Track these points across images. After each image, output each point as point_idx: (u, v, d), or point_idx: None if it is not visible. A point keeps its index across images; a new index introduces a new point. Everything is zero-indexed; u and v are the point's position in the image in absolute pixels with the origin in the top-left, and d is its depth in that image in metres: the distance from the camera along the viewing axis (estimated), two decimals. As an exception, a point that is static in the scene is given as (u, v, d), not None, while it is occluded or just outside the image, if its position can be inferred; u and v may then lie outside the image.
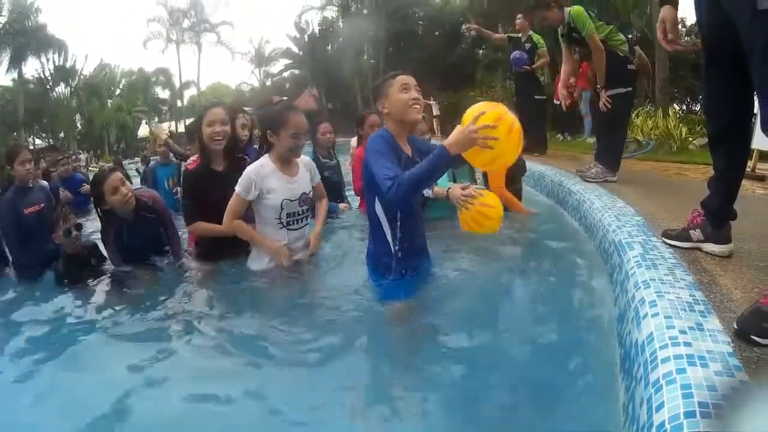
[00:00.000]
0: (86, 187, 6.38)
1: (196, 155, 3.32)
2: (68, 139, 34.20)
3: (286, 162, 3.02)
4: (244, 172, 2.95)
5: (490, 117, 2.01)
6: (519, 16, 7.91)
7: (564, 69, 5.15)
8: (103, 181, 3.15)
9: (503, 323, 2.40)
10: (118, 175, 3.21)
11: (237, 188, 2.93)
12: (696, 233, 2.34)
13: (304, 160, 3.19)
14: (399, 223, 2.46)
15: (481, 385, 1.91)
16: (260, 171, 2.93)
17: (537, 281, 2.89)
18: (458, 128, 2.05)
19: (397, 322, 2.44)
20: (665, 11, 2.22)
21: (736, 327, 1.53)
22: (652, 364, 1.44)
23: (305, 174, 3.13)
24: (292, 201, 3.03)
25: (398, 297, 2.49)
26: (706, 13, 2.03)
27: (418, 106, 2.41)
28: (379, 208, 2.48)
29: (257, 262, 3.09)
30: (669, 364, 1.38)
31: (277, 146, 2.97)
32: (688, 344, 1.46)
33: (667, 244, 2.45)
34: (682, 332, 1.52)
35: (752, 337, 1.47)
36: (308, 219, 3.21)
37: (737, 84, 2.01)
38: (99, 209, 3.27)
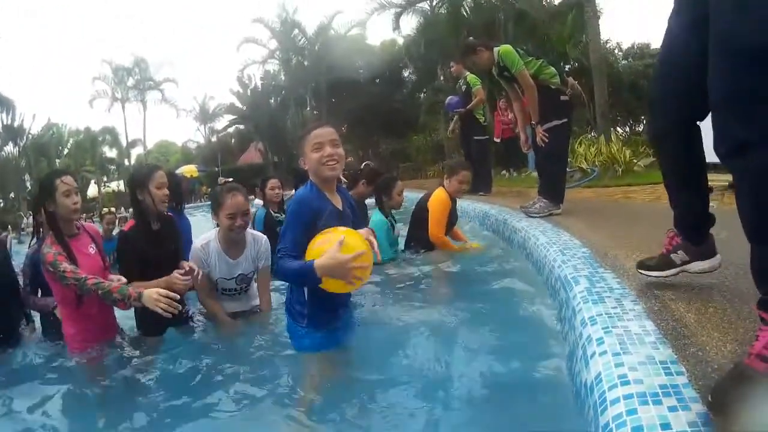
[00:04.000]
0: None
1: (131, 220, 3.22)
2: (18, 200, 33.05)
3: (231, 241, 3.11)
4: (192, 249, 3.13)
5: (366, 258, 2.13)
6: (452, 64, 8.12)
7: (515, 108, 5.11)
8: None
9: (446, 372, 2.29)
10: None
11: (195, 266, 2.97)
12: (679, 255, 2.07)
13: (257, 237, 3.26)
14: None
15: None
16: (206, 248, 3.10)
17: (484, 320, 2.82)
18: (333, 255, 2.05)
19: (313, 375, 2.37)
20: None
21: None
22: (601, 406, 1.36)
23: (251, 254, 3.18)
24: (228, 280, 3.14)
25: (311, 349, 2.42)
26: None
27: (332, 163, 2.27)
28: None
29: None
30: (618, 406, 1.29)
31: (220, 226, 3.10)
32: (638, 381, 1.37)
33: (646, 275, 2.17)
34: (632, 369, 1.43)
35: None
36: (246, 291, 3.28)
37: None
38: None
